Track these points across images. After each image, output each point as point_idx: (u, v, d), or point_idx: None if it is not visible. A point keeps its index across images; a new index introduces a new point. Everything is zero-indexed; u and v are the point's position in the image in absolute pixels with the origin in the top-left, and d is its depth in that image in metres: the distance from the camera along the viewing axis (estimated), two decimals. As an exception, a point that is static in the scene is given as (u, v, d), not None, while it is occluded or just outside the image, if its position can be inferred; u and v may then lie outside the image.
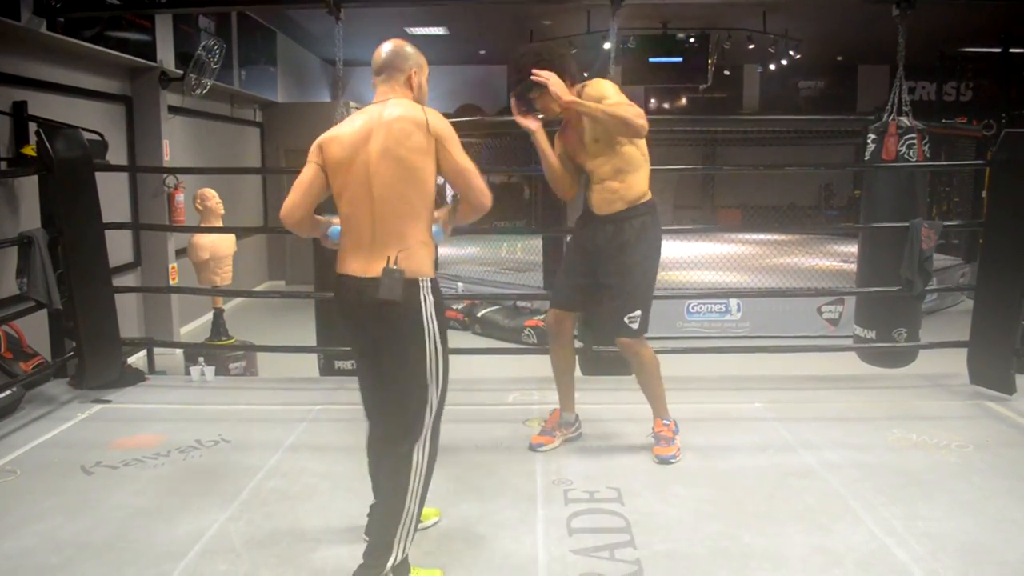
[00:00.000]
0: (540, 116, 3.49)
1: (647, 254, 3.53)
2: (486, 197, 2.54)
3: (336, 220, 2.60)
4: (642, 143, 3.48)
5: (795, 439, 3.78)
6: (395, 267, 2.40)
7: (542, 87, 3.32)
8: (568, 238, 3.87)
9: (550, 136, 3.57)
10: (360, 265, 2.47)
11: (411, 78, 2.63)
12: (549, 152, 3.55)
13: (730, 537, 2.84)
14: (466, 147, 2.59)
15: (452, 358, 2.58)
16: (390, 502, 2.43)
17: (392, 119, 2.47)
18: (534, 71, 3.33)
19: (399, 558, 2.40)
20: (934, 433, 3.83)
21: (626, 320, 3.48)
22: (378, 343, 2.51)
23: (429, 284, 2.47)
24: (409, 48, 2.65)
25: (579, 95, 3.39)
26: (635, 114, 3.27)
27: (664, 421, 3.63)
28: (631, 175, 3.47)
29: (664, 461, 3.51)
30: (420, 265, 2.46)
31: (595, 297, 3.61)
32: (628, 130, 3.32)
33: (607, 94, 3.36)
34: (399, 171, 2.44)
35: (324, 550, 2.76)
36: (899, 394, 4.49)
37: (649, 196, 3.53)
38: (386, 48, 2.64)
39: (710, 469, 3.46)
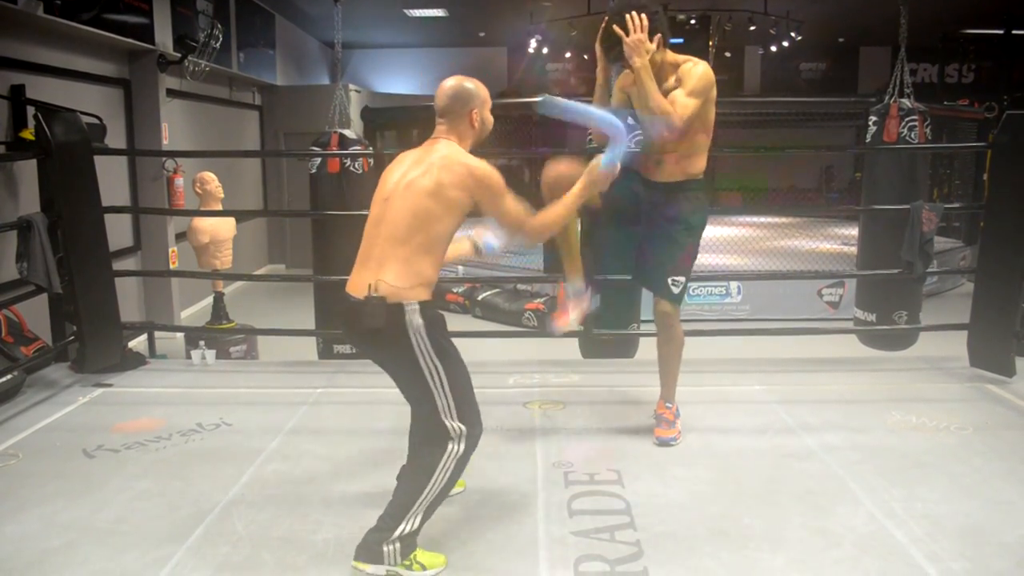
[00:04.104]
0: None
1: (698, 227, 3.50)
2: (538, 237, 2.72)
3: (488, 234, 2.77)
4: (711, 124, 3.37)
5: (795, 421, 3.79)
6: (375, 294, 2.44)
7: (618, 40, 3.16)
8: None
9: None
10: (356, 284, 2.52)
11: (473, 117, 2.63)
12: (603, 88, 3.43)
13: (730, 519, 2.85)
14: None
15: (453, 341, 2.59)
16: (414, 478, 2.50)
17: (436, 162, 2.51)
18: (628, 16, 3.13)
19: (407, 530, 2.45)
20: (934, 415, 3.84)
21: (670, 282, 3.44)
22: (378, 362, 2.63)
23: (416, 307, 2.46)
24: (470, 85, 2.64)
25: (673, 65, 3.30)
26: (665, 121, 3.15)
27: (667, 404, 3.62)
28: (696, 153, 3.41)
29: (664, 443, 3.51)
30: (404, 291, 2.45)
31: (645, 260, 3.58)
32: (656, 127, 3.20)
33: (688, 83, 3.23)
34: (416, 208, 2.48)
35: (325, 532, 2.77)
36: (899, 376, 4.50)
37: (702, 174, 3.47)
38: (448, 89, 2.63)
39: (710, 451, 3.47)
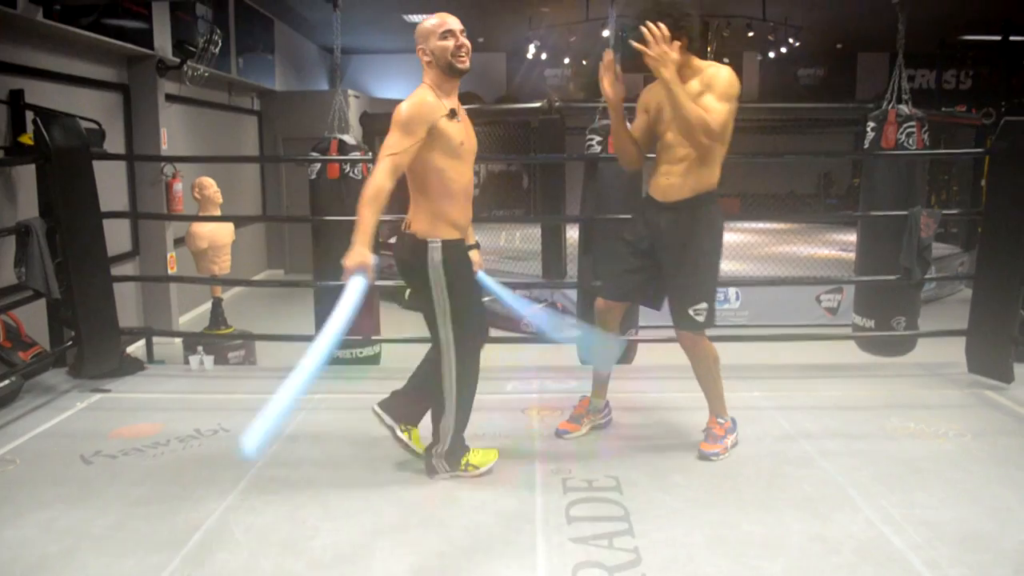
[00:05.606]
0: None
1: (713, 245, 3.37)
2: (373, 177, 2.87)
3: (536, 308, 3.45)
4: (729, 134, 3.27)
5: (793, 428, 3.79)
6: (406, 231, 3.00)
7: (644, 42, 3.05)
8: (615, 229, 3.60)
9: (630, 112, 3.42)
10: (406, 223, 3.07)
11: (421, 54, 3.00)
12: (619, 124, 3.36)
13: (728, 525, 2.85)
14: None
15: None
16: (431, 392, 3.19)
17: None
18: (647, 24, 3.05)
19: (445, 447, 3.17)
20: (932, 421, 3.84)
21: (691, 312, 3.32)
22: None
23: (439, 245, 2.95)
24: (419, 23, 3.04)
25: (694, 70, 3.22)
26: (702, 126, 3.07)
27: (719, 420, 3.50)
28: (708, 165, 3.28)
29: (704, 457, 3.41)
30: (427, 229, 2.96)
31: (651, 286, 3.47)
32: (689, 135, 3.13)
33: (716, 88, 3.15)
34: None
35: (324, 538, 2.76)
36: (897, 383, 4.50)
37: (715, 186, 3.34)
38: None
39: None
